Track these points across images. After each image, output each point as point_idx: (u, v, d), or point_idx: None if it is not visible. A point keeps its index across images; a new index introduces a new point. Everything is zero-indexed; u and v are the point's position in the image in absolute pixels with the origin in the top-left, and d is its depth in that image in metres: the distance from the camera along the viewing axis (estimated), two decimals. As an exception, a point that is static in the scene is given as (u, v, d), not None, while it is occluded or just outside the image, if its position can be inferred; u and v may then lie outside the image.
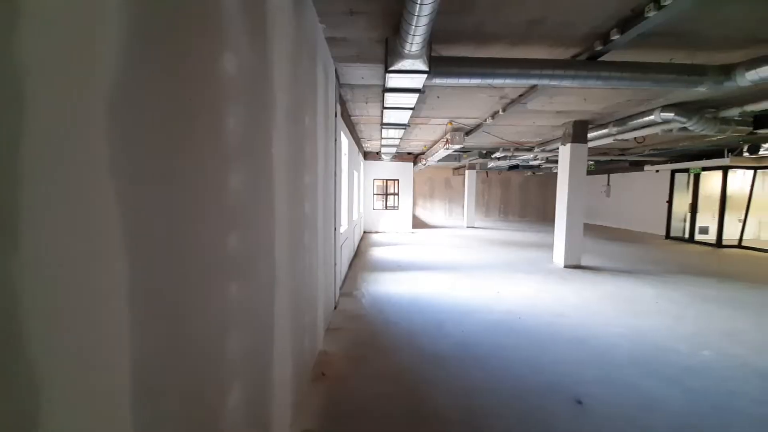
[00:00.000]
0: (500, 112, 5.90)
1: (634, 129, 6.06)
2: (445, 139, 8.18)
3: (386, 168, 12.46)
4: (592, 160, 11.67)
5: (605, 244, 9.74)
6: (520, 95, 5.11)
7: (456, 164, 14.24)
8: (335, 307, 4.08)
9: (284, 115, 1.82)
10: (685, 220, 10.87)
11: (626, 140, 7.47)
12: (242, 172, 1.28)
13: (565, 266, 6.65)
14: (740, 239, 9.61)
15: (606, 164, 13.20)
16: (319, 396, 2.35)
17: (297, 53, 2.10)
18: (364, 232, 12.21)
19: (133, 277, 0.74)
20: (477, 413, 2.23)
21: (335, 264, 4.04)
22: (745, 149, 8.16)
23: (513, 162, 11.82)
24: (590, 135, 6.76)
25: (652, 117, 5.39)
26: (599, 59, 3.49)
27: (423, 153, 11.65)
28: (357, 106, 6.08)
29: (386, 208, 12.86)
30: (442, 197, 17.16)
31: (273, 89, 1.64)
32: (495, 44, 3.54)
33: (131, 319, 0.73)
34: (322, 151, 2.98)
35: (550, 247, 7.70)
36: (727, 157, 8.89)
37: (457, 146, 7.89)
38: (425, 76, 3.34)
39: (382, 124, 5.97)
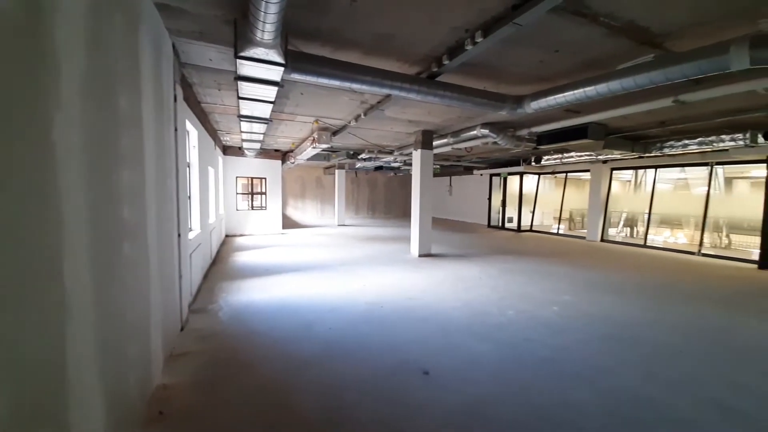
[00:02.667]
0: (362, 116, 6.24)
1: (464, 140, 7.48)
2: (313, 138, 8.11)
3: (251, 165, 11.41)
4: (437, 164, 13.86)
5: (449, 234, 11.72)
6: (378, 102, 5.54)
7: (326, 163, 14.34)
8: (182, 328, 3.45)
9: (78, 90, 1.39)
10: (499, 213, 14.25)
11: (460, 149, 9.18)
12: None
13: (419, 255, 7.65)
14: (531, 225, 13.31)
15: (448, 168, 15.92)
16: (153, 440, 1.92)
17: (101, 10, 1.64)
18: (227, 235, 10.86)
19: None
20: (342, 406, 2.29)
21: (180, 277, 3.42)
22: (533, 160, 11.28)
23: (378, 163, 12.77)
24: (435, 143, 7.97)
25: (475, 132, 6.78)
26: (436, 79, 4.12)
27: (292, 151, 11.21)
28: (208, 92, 5.30)
29: (252, 209, 11.81)
30: (313, 196, 16.97)
31: (54, 53, 1.22)
32: (352, 50, 3.69)
33: None
34: (151, 141, 2.44)
35: (408, 239, 8.70)
36: (522, 165, 12.09)
37: (325, 145, 7.94)
38: (282, 69, 3.18)
39: (240, 116, 5.40)
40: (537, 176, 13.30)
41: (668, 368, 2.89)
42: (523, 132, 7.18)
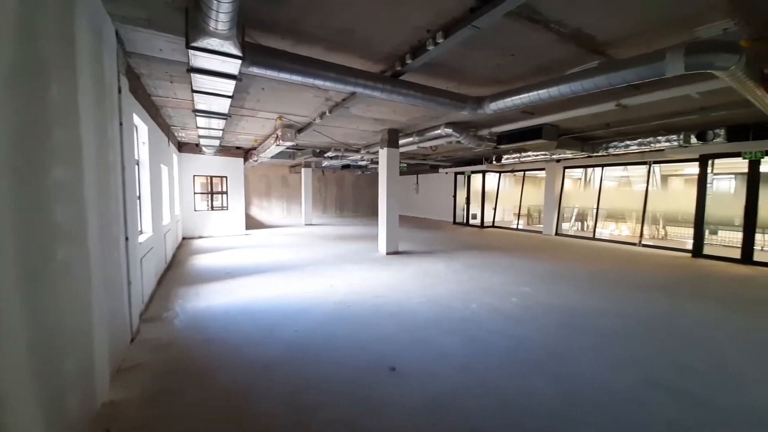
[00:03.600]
0: (328, 114, 6.14)
1: (429, 139, 7.62)
2: (276, 135, 7.85)
3: (211, 163, 10.81)
4: (404, 163, 14.02)
5: (416, 232, 11.91)
6: (343, 99, 5.48)
7: (292, 162, 13.97)
8: (132, 339, 3.20)
9: (4, 82, 1.23)
10: (463, 210, 14.72)
11: (425, 148, 9.34)
12: None
13: (387, 253, 7.69)
14: (493, 221, 13.87)
15: (415, 167, 16.14)
16: (98, 462, 1.77)
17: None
18: (184, 238, 10.22)
19: None
20: (307, 408, 2.24)
21: (129, 283, 3.16)
22: (494, 159, 11.75)
23: (345, 162, 12.65)
24: (401, 142, 8.04)
25: (439, 131, 6.93)
26: (400, 78, 4.15)
27: (255, 148, 10.77)
28: (159, 84, 4.94)
29: (212, 209, 11.21)
30: (279, 196, 16.48)
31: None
32: (313, 45, 3.61)
33: None
34: (91, 136, 2.23)
35: (376, 238, 8.72)
36: (484, 164, 12.57)
37: (289, 143, 7.72)
38: (239, 61, 3.04)
39: (196, 111, 5.10)
40: (498, 174, 13.90)
41: (619, 352, 3.14)
42: (484, 132, 7.46)
